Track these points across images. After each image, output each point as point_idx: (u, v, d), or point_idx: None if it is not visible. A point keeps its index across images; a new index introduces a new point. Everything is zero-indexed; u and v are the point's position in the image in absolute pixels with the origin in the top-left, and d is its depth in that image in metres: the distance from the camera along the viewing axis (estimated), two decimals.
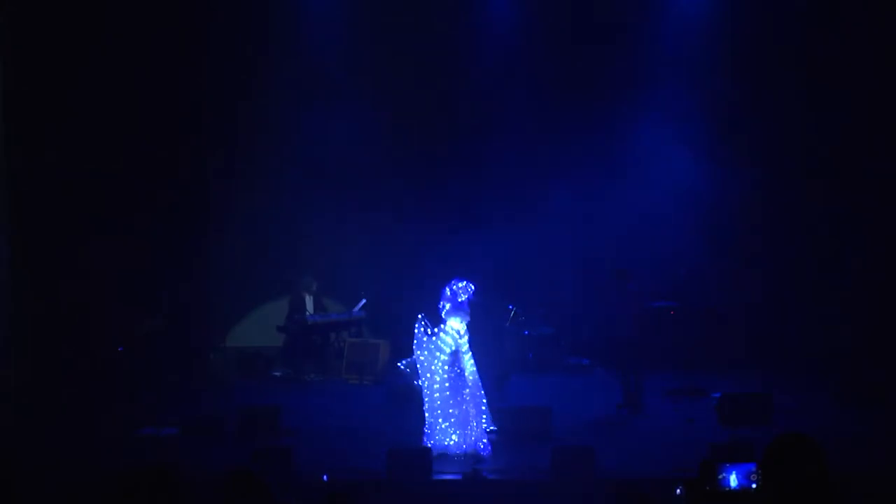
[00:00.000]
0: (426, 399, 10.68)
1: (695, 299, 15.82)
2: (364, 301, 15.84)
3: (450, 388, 10.63)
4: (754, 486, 5.24)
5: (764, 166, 15.96)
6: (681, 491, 6.97)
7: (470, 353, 10.78)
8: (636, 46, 16.15)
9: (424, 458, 9.69)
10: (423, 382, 10.74)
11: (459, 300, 10.75)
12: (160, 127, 15.62)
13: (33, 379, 14.04)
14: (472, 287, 10.85)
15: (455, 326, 10.70)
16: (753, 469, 5.27)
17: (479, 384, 10.85)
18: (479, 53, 16.41)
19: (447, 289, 10.80)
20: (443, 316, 10.73)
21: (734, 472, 5.31)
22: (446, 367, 10.67)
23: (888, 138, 15.08)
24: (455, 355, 10.68)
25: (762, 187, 15.99)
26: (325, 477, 9.48)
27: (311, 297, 15.74)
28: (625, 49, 16.16)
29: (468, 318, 10.77)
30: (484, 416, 10.83)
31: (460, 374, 10.67)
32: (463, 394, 10.66)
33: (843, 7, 15.30)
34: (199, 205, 16.76)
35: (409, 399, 12.11)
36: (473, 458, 10.34)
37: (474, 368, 10.79)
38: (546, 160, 16.27)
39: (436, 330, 10.73)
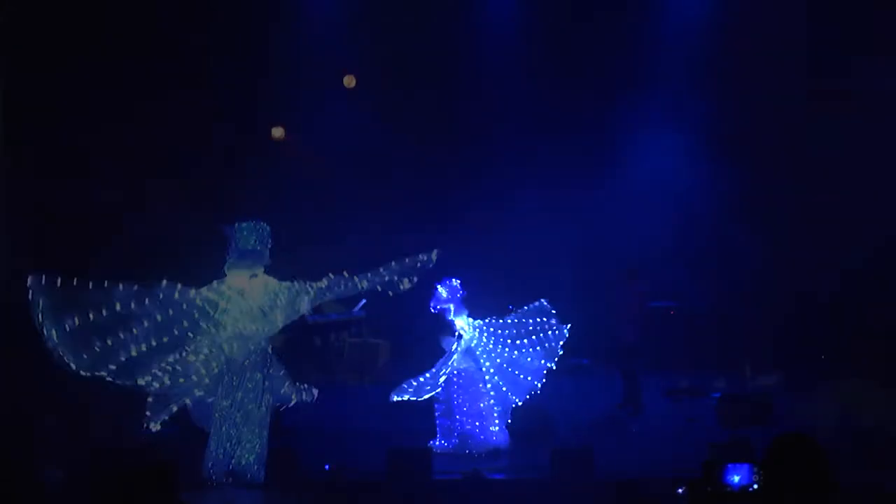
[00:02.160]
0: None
1: (695, 299, 15.83)
2: (364, 301, 15.82)
3: (446, 387, 10.63)
4: (755, 486, 5.23)
5: (764, 166, 15.96)
6: (683, 491, 6.96)
7: (482, 347, 10.74)
8: (636, 46, 16.16)
9: (424, 458, 9.69)
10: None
11: (459, 296, 10.74)
12: (160, 127, 15.60)
13: (33, 379, 14.00)
14: (458, 280, 10.83)
15: (459, 324, 10.68)
16: (755, 469, 5.26)
17: (508, 378, 10.77)
18: (479, 53, 16.41)
19: (443, 289, 10.75)
20: (450, 318, 10.69)
21: (737, 473, 5.30)
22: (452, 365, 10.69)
23: (888, 138, 15.07)
24: (465, 353, 10.67)
25: (762, 187, 15.98)
26: (326, 466, 9.50)
27: None
28: (625, 49, 16.17)
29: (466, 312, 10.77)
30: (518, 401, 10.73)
31: (464, 370, 10.64)
32: (479, 389, 10.60)
33: (842, 7, 15.30)
34: (198, 204, 16.71)
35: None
36: (493, 452, 10.36)
37: (489, 362, 10.74)
38: (546, 159, 16.26)
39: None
